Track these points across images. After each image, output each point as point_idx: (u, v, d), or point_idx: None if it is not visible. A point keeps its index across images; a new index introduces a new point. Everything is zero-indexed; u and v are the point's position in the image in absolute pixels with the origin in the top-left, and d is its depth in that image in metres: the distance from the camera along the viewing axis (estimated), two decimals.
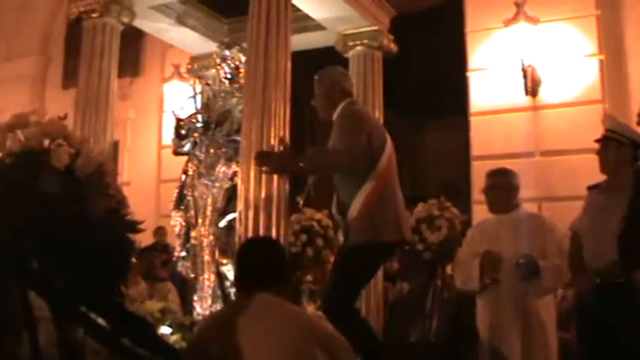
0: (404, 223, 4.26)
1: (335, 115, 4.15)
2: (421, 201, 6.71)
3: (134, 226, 2.98)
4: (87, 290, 2.90)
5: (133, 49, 10.44)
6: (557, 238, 4.48)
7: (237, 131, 4.73)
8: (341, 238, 4.38)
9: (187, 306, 5.25)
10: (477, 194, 8.10)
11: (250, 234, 3.94)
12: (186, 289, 5.68)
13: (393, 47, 5.56)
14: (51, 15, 13.10)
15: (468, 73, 8.71)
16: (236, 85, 5.08)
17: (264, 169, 4.03)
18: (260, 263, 3.06)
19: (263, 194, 3.97)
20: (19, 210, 2.71)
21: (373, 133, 4.10)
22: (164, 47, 10.60)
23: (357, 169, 3.98)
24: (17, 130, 2.89)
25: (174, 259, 5.25)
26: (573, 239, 4.24)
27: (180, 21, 5.54)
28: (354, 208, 4.02)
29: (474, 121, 8.65)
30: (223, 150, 4.93)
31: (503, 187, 4.69)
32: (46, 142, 2.86)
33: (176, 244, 5.15)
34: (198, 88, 5.46)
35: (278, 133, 4.05)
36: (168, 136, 10.48)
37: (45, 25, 13.15)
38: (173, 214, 5.11)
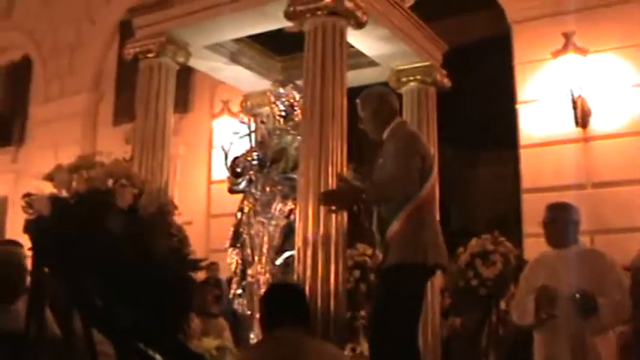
0: (441, 248, 4.22)
1: (386, 135, 4.16)
2: (470, 234, 6.65)
3: (196, 265, 2.99)
4: (149, 327, 2.92)
5: (182, 85, 10.57)
6: (617, 274, 4.39)
7: (293, 169, 4.75)
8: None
9: (242, 343, 5.24)
10: (528, 227, 8.04)
11: (309, 272, 3.93)
12: (238, 325, 5.67)
13: (447, 82, 5.53)
14: (103, 53, 13.40)
15: (518, 106, 8.67)
16: (290, 123, 5.11)
17: (332, 208, 4.02)
18: (285, 306, 3.28)
19: (321, 232, 3.96)
20: (85, 248, 2.74)
21: (426, 155, 4.11)
22: (213, 84, 10.73)
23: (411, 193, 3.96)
24: (82, 171, 2.93)
25: (230, 296, 5.24)
26: (634, 275, 4.16)
27: (234, 59, 5.59)
28: (394, 226, 4.00)
29: (524, 153, 8.58)
30: (279, 188, 4.95)
31: (563, 221, 4.62)
32: (110, 183, 2.90)
33: (233, 281, 5.15)
34: (253, 126, 5.48)
35: (336, 170, 4.04)
36: (217, 171, 10.64)
37: (97, 62, 13.45)
38: (229, 251, 5.13)
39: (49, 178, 3.01)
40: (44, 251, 2.90)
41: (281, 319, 3.19)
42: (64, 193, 2.89)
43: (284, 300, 3.35)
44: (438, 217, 4.48)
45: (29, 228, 2.92)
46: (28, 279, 4.10)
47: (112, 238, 2.75)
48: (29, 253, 3.05)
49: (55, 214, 2.82)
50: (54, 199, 2.86)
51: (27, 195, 2.97)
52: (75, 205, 2.84)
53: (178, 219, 3.21)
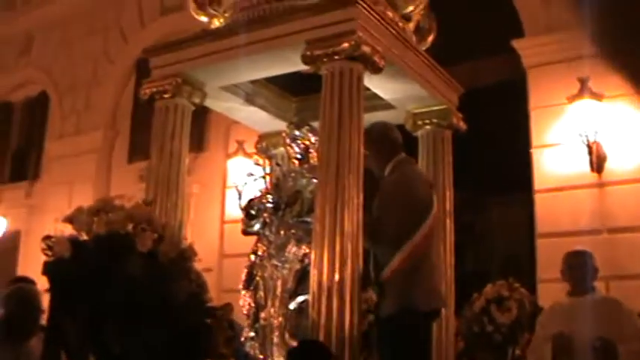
0: (437, 292, 4.30)
1: (387, 172, 4.29)
2: (484, 278, 6.63)
3: (214, 312, 2.98)
4: None
5: (197, 125, 10.66)
6: (635, 322, 4.38)
7: (308, 212, 4.74)
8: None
9: None
10: (543, 273, 7.99)
11: (323, 318, 3.90)
12: None
13: (462, 125, 5.53)
14: (119, 91, 13.53)
15: (532, 150, 8.65)
16: (306, 166, 5.10)
17: None
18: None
19: (336, 278, 3.94)
20: (104, 292, 2.74)
21: (422, 197, 4.22)
22: (228, 124, 10.79)
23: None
24: (102, 213, 2.93)
25: (242, 338, 5.20)
26: None
27: (250, 100, 5.60)
28: (389, 268, 4.10)
29: (538, 197, 8.55)
30: (293, 231, 4.93)
31: (580, 269, 4.61)
32: (131, 226, 2.90)
33: (245, 324, 5.11)
34: (268, 168, 5.49)
35: (352, 217, 4.04)
36: (230, 211, 10.65)
37: (113, 100, 13.58)
38: (242, 293, 5.10)
39: (69, 220, 3.01)
40: (62, 293, 2.90)
41: None
42: (84, 236, 2.90)
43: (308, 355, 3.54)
44: (440, 258, 4.57)
45: (48, 270, 2.92)
46: (43, 317, 4.12)
47: (132, 283, 2.74)
48: (45, 293, 3.05)
49: (75, 257, 2.82)
50: (74, 242, 2.86)
51: (47, 237, 2.97)
52: (95, 249, 2.84)
53: (197, 265, 3.21)
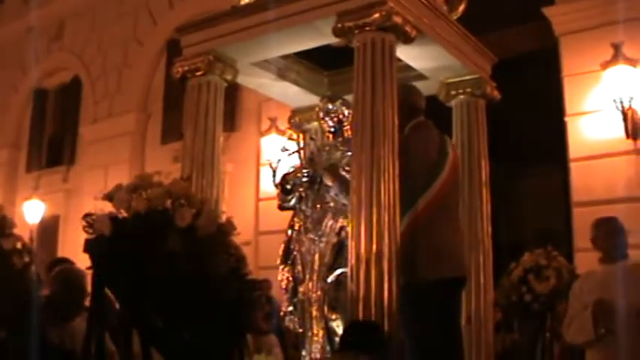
0: (457, 257, 4.28)
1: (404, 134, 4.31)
2: (519, 248, 6.58)
3: (254, 286, 3.00)
4: (207, 347, 2.93)
5: (229, 103, 10.68)
6: None
7: None
8: None
9: None
10: (579, 242, 7.91)
11: (362, 290, 3.90)
12: (287, 342, 5.67)
13: (496, 95, 5.48)
14: (150, 73, 13.59)
15: (566, 118, 8.55)
16: (340, 139, 5.11)
17: None
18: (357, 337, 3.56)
19: (374, 249, 3.94)
20: (145, 268, 2.76)
21: (426, 158, 4.25)
22: (260, 101, 10.80)
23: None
24: (141, 190, 2.95)
25: (281, 313, 5.24)
26: None
27: (281, 75, 5.60)
28: (401, 232, 4.08)
29: (573, 166, 8.45)
30: (330, 204, 4.94)
31: (612, 236, 4.57)
32: (169, 202, 2.92)
33: (283, 298, 5.15)
34: (302, 143, 5.49)
35: (388, 187, 4.03)
36: (265, 188, 10.68)
37: (144, 82, 13.65)
38: (280, 268, 5.13)
39: (109, 197, 3.04)
40: (104, 271, 2.93)
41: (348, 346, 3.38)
42: (123, 213, 2.93)
43: (357, 332, 3.67)
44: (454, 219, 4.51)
45: (89, 247, 2.95)
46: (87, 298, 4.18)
47: (172, 258, 2.76)
48: (87, 272, 3.09)
49: (116, 234, 2.85)
50: (114, 219, 2.89)
51: (87, 215, 3.00)
52: (135, 225, 2.86)
53: (236, 239, 3.23)
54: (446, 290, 4.22)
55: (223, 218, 3.13)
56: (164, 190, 2.94)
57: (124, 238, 2.84)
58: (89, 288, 3.98)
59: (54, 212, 14.53)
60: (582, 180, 8.33)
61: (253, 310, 3.19)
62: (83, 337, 4.23)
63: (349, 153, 4.68)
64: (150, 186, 2.98)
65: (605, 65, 8.05)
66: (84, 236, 3.15)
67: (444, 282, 4.20)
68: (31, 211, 14.06)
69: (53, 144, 15.51)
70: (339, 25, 4.36)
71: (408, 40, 4.42)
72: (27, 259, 3.61)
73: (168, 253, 2.77)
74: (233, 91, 9.93)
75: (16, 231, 3.80)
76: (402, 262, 4.05)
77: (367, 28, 4.29)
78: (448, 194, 4.36)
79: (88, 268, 3.05)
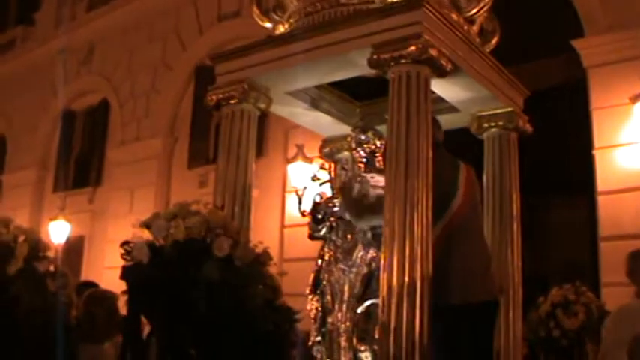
0: (470, 284, 4.23)
1: None
2: (544, 281, 6.55)
3: (291, 317, 3.00)
4: None
5: (257, 130, 10.78)
6: None
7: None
8: None
9: None
10: (607, 276, 7.85)
11: (394, 322, 3.89)
12: None
13: (528, 128, 5.46)
14: (178, 97, 13.73)
15: (594, 151, 8.53)
16: (372, 170, 5.11)
17: None
18: None
19: (406, 281, 3.93)
20: (181, 297, 2.77)
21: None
22: (287, 128, 10.87)
23: None
24: (179, 219, 2.97)
25: (309, 343, 5.22)
26: None
27: (314, 105, 5.61)
28: None
29: (601, 200, 8.43)
30: (360, 235, 4.94)
31: None
32: (206, 231, 2.94)
33: (312, 328, 5.13)
34: (333, 172, 5.50)
35: (421, 219, 4.02)
36: (291, 215, 10.70)
37: (172, 107, 13.79)
38: (309, 297, 5.12)
39: (147, 225, 3.06)
40: (141, 298, 2.95)
41: None
42: (161, 241, 2.94)
43: None
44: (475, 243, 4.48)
45: (127, 274, 2.97)
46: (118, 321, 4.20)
47: (209, 288, 2.77)
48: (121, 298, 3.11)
49: (154, 262, 2.87)
50: (153, 247, 2.91)
51: (125, 242, 3.03)
52: (173, 254, 2.88)
53: (273, 269, 3.24)
54: (469, 315, 4.20)
55: (260, 248, 3.13)
56: (202, 219, 2.96)
57: (162, 266, 2.86)
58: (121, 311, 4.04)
59: (79, 233, 14.66)
60: (610, 213, 8.29)
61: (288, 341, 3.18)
62: None
63: (380, 184, 4.68)
64: (188, 214, 3.00)
65: (634, 99, 8.06)
66: (109, 257, 3.18)
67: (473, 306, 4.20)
68: (57, 231, 14.18)
69: (80, 165, 15.68)
70: (375, 57, 4.36)
71: (442, 73, 4.42)
72: (60, 281, 3.63)
73: (205, 282, 2.78)
74: (260, 118, 9.94)
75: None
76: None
77: (403, 61, 4.28)
78: (467, 217, 4.33)
79: (124, 293, 3.07)
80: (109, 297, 4.41)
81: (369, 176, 5.07)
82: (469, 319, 4.19)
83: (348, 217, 4.95)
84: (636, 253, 4.68)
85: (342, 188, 5.18)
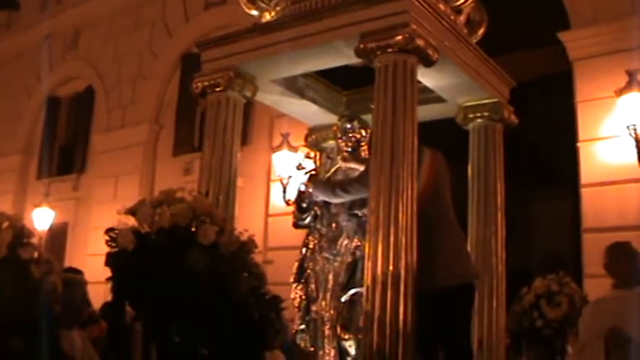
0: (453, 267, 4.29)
1: None
2: (525, 272, 6.59)
3: (276, 305, 3.00)
4: None
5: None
6: None
7: (360, 205, 4.75)
8: None
9: None
10: (590, 268, 7.89)
11: (377, 311, 3.90)
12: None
13: (514, 119, 5.48)
14: (164, 85, 13.67)
15: (579, 144, 8.56)
16: (359, 158, 5.11)
17: None
18: None
19: (391, 270, 3.94)
20: (166, 284, 2.77)
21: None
22: (272, 117, 10.83)
23: None
24: (164, 206, 2.96)
25: (293, 331, 5.24)
26: None
27: (300, 93, 5.61)
28: None
29: (585, 192, 8.46)
30: (345, 224, 4.95)
31: (627, 261, 4.55)
32: (192, 219, 2.93)
33: (296, 316, 5.14)
34: (318, 161, 5.51)
35: (406, 209, 4.03)
36: (275, 204, 10.68)
37: (158, 94, 13.73)
38: (294, 286, 5.13)
39: (132, 212, 3.05)
40: (125, 285, 2.94)
41: None
42: (146, 228, 2.93)
43: None
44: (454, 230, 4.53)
45: (111, 261, 2.96)
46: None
47: (194, 275, 2.77)
48: (108, 286, 3.09)
49: (139, 249, 2.86)
50: (138, 234, 2.90)
51: (110, 229, 3.01)
52: (158, 241, 2.87)
53: (258, 257, 3.23)
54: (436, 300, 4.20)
55: (245, 236, 3.13)
56: (188, 206, 2.95)
57: (147, 254, 2.85)
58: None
59: (63, 219, 14.60)
60: (593, 206, 8.33)
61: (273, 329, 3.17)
62: (82, 348, 4.27)
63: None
64: (173, 202, 2.99)
65: (620, 92, 8.05)
66: (92, 245, 3.17)
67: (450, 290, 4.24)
68: (41, 218, 14.12)
69: (64, 152, 15.61)
70: (362, 46, 4.36)
71: (429, 62, 4.42)
72: (45, 268, 3.61)
73: (190, 270, 2.78)
74: (246, 106, 9.95)
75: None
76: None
77: (389, 50, 4.28)
78: (428, 204, 4.33)
79: (108, 279, 3.06)
80: (77, 281, 4.41)
81: (347, 165, 5.08)
82: (435, 305, 4.17)
83: (320, 198, 4.94)
84: (614, 246, 4.70)
85: (311, 177, 5.18)
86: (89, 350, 4.45)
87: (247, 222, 10.77)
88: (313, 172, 5.22)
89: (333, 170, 5.32)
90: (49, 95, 16.14)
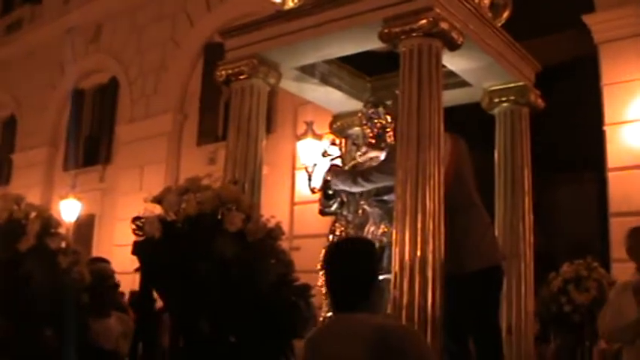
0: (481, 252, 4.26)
1: None
2: (552, 257, 6.53)
3: (303, 292, 2.98)
4: (255, 353, 2.92)
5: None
6: None
7: (386, 191, 4.72)
8: None
9: None
10: (617, 252, 7.81)
11: (405, 298, 3.88)
12: None
13: (540, 103, 5.41)
14: (187, 75, 13.69)
15: (605, 127, 8.47)
16: (382, 145, 5.07)
17: None
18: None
19: (418, 256, 3.91)
20: (194, 272, 2.76)
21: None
22: (296, 105, 10.81)
23: None
24: (190, 194, 2.96)
25: (320, 318, 5.22)
26: None
27: (324, 80, 5.58)
28: None
29: (611, 176, 8.37)
30: (371, 210, 4.92)
31: None
32: (218, 206, 2.92)
33: (323, 304, 5.12)
34: (343, 148, 5.48)
35: (433, 194, 4.00)
36: (300, 192, 10.67)
37: (181, 84, 13.76)
38: (321, 274, 5.11)
39: (158, 200, 3.05)
40: (153, 273, 2.94)
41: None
42: (172, 216, 2.93)
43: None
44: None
45: (138, 250, 2.96)
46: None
47: (221, 263, 2.76)
48: (137, 275, 3.10)
49: (166, 237, 2.86)
50: (164, 222, 2.89)
51: (137, 218, 3.01)
52: (185, 228, 2.87)
53: (285, 244, 3.22)
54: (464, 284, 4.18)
55: (272, 223, 3.12)
56: (214, 194, 2.94)
57: (174, 241, 2.84)
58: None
59: (90, 211, 14.70)
60: (620, 190, 8.25)
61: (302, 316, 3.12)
62: (117, 337, 4.29)
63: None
64: (199, 189, 2.98)
65: None
66: (118, 235, 3.17)
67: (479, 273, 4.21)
68: (68, 210, 14.21)
69: (90, 143, 15.71)
70: (386, 31, 4.32)
71: (454, 46, 4.38)
72: (72, 258, 3.62)
73: (217, 257, 2.77)
74: (270, 94, 9.94)
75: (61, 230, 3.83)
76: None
77: (414, 34, 4.24)
78: (453, 190, 4.26)
79: (136, 270, 3.06)
80: (106, 271, 4.44)
81: (367, 156, 5.06)
82: (463, 289, 4.15)
83: (340, 187, 4.93)
84: (636, 229, 4.63)
85: (331, 167, 5.16)
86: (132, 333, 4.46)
87: (273, 210, 10.59)
88: (332, 163, 5.18)
89: (351, 164, 5.29)
90: (74, 87, 16.24)
